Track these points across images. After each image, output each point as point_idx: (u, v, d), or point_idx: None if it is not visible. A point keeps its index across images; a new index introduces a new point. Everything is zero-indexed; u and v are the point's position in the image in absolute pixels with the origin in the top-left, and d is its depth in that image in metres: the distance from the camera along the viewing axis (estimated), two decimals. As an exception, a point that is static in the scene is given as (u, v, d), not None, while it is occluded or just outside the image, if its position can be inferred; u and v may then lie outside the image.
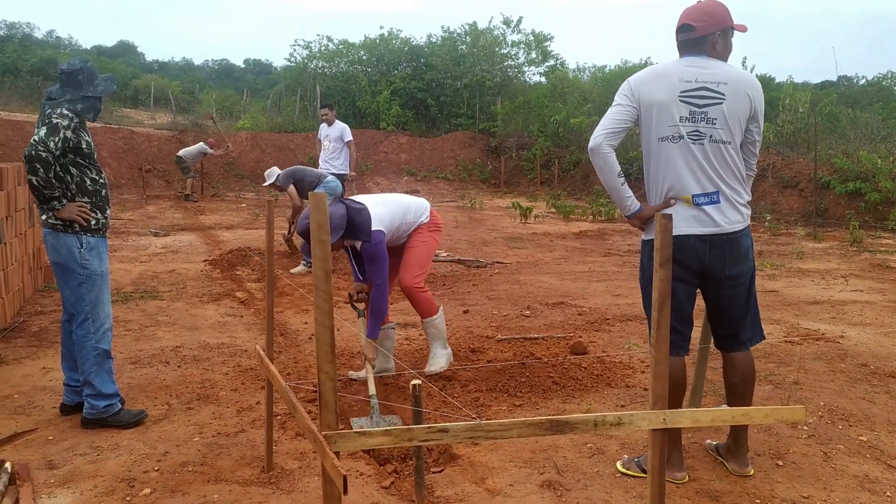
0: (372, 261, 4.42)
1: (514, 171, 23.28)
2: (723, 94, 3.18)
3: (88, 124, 4.09)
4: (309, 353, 5.37)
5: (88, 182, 4.00)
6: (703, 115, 3.16)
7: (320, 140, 10.63)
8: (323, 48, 28.65)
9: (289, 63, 30.39)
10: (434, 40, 29.40)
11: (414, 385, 3.11)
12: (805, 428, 3.79)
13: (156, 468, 3.46)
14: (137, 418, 4.06)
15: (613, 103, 3.23)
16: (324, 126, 10.57)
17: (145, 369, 4.97)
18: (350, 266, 4.82)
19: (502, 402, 4.32)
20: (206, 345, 5.56)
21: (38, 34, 53.39)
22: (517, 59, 29.26)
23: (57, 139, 3.76)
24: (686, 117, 3.14)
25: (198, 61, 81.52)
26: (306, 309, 6.77)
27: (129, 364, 5.08)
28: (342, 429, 3.28)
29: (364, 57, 28.41)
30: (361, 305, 4.67)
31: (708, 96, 3.18)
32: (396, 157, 23.29)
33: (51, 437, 3.86)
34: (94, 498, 3.17)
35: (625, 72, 31.24)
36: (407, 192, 20.03)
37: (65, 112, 3.85)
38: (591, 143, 3.20)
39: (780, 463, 3.41)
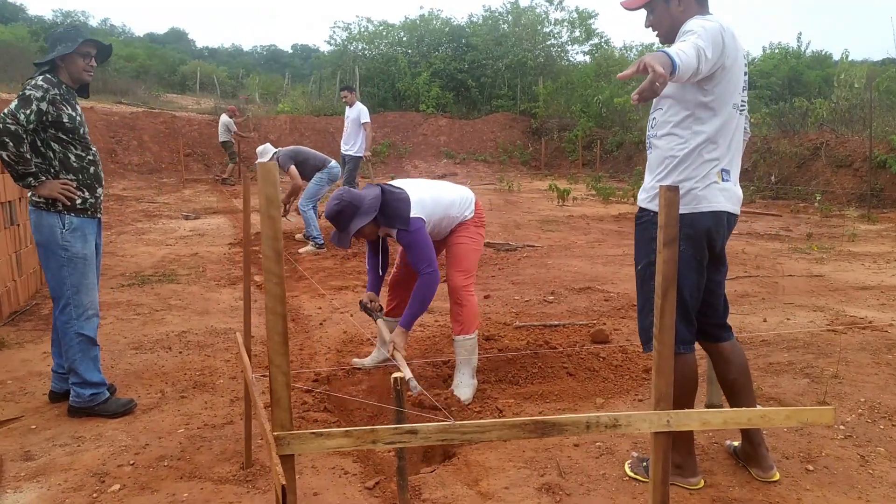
0: (412, 248, 3.89)
1: (555, 152, 22.78)
2: (746, 61, 2.87)
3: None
4: (317, 339, 5.15)
5: (73, 159, 3.80)
6: (745, 84, 2.85)
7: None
8: (363, 30, 28.44)
9: (329, 46, 30.28)
10: (475, 20, 28.95)
11: (395, 378, 2.85)
12: (842, 427, 3.40)
13: (131, 462, 3.26)
14: (125, 408, 3.88)
15: (698, 36, 2.55)
16: (346, 108, 10.53)
17: (146, 355, 4.80)
18: (367, 264, 4.43)
19: (510, 394, 4.02)
20: (213, 330, 5.38)
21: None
22: (560, 38, 28.61)
23: (28, 111, 3.55)
24: (743, 86, 2.82)
25: (247, 47, 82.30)
26: (322, 294, 6.55)
27: (132, 349, 4.92)
28: (299, 429, 2.98)
29: (404, 38, 28.09)
30: (376, 306, 4.31)
31: (745, 63, 2.86)
32: (435, 140, 22.99)
33: (34, 426, 3.70)
34: (61, 493, 2.99)
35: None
36: (445, 176, 19.86)
37: (39, 83, 3.64)
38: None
39: (811, 467, 3.04)
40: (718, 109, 2.71)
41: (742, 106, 2.82)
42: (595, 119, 22.46)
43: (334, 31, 43.14)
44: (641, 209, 2.91)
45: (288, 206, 9.21)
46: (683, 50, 2.39)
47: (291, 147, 9.17)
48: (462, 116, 24.70)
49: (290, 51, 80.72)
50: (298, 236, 9.28)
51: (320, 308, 6.06)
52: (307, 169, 8.78)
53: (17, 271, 6.01)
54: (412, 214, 3.87)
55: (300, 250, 8.62)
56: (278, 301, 2.14)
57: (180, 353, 4.85)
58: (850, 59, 19.18)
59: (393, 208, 3.88)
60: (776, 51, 29.25)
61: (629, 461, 3.11)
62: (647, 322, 2.86)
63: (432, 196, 4.03)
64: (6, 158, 3.57)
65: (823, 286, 6.47)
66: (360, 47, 28.20)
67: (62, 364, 3.97)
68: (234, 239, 9.54)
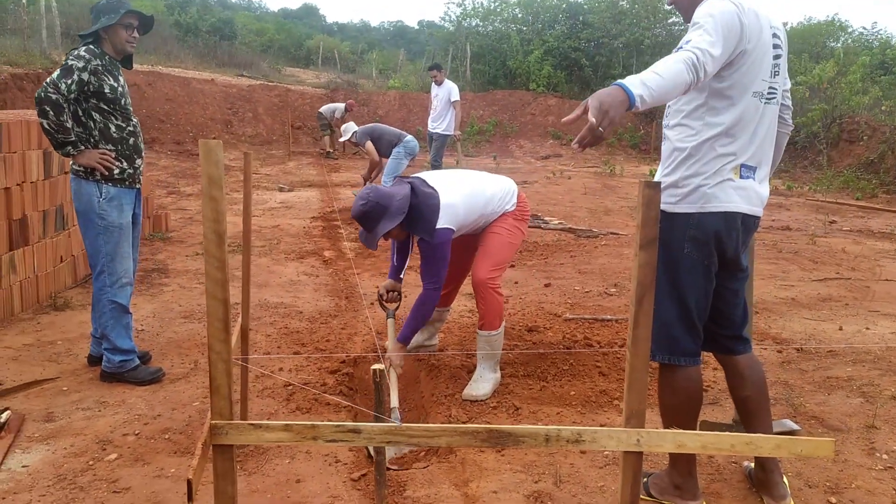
0: (428, 260, 3.67)
1: (668, 136, 21.87)
2: (782, 44, 2.55)
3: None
4: (362, 319, 5.12)
5: (113, 129, 3.88)
6: (776, 70, 2.53)
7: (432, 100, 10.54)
8: (477, 6, 28.15)
9: (443, 22, 30.17)
10: (594, -3, 28.04)
11: (374, 370, 2.74)
12: (884, 457, 3.02)
13: (137, 432, 3.31)
14: (154, 376, 3.96)
15: (704, 30, 2.31)
16: (434, 86, 10.45)
17: (193, 325, 4.91)
18: (390, 252, 4.23)
19: (536, 390, 3.83)
20: (265, 303, 5.44)
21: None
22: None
23: (70, 81, 3.64)
24: (771, 71, 2.51)
25: (374, 23, 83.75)
26: (385, 272, 6.50)
27: (181, 318, 5.05)
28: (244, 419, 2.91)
29: (518, 15, 27.60)
30: (392, 305, 4.10)
31: (778, 45, 2.54)
32: (543, 120, 22.53)
33: (65, 388, 3.84)
34: (63, 458, 3.07)
35: (807, 30, 28.48)
36: (549, 157, 19.43)
37: (81, 53, 3.73)
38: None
39: (834, 500, 2.71)
40: (736, 98, 2.41)
41: (771, 94, 2.49)
42: (713, 102, 21.36)
43: (448, 7, 42.94)
44: None
45: (370, 182, 9.32)
46: (658, 73, 2.14)
47: (369, 125, 9.25)
48: (573, 96, 24.02)
49: (416, 27, 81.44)
50: None
51: (377, 287, 6.01)
52: (383, 145, 8.81)
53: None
54: (440, 225, 3.62)
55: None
56: (219, 286, 2.07)
57: (226, 324, 4.92)
58: None
59: (421, 213, 3.63)
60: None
61: (631, 476, 2.87)
62: (654, 328, 2.61)
63: (466, 200, 3.76)
64: (46, 127, 3.68)
65: (921, 293, 5.84)
66: (474, 24, 27.94)
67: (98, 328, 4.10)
68: (319, 213, 9.67)
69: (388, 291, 4.08)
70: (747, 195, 2.48)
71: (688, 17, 2.54)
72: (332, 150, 17.53)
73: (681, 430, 2.10)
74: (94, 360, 4.14)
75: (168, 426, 3.38)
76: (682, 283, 2.50)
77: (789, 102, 2.73)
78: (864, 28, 32.68)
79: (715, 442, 2.08)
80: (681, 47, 2.29)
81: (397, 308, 4.08)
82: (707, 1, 2.41)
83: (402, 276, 4.13)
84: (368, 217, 3.60)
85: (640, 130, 22.15)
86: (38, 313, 5.02)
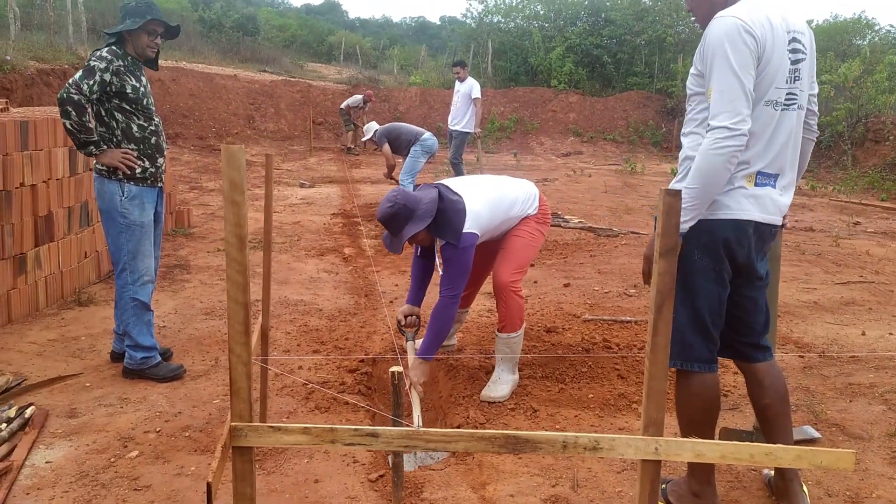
0: (451, 265, 3.61)
1: (690, 134, 21.67)
2: (805, 48, 2.52)
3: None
4: (381, 317, 5.13)
5: (135, 129, 3.93)
6: (797, 75, 2.50)
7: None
8: (499, 2, 28.02)
9: (465, 18, 30.09)
10: (617, -8, 27.83)
11: (393, 373, 2.75)
12: (908, 468, 3.00)
13: (158, 429, 3.35)
14: (175, 373, 4.00)
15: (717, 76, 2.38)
16: (457, 83, 10.51)
17: (214, 322, 4.95)
18: (411, 270, 4.14)
19: (554, 392, 3.82)
20: (285, 301, 5.47)
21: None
22: (708, 13, 26.99)
23: (91, 82, 3.69)
24: (787, 77, 2.48)
25: (396, 18, 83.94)
26: (405, 270, 6.52)
27: (202, 315, 5.09)
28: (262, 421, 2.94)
29: (540, 12, 27.46)
30: (411, 331, 4.01)
31: (798, 49, 2.51)
32: (564, 117, 22.44)
33: (88, 384, 3.89)
34: (85, 454, 3.11)
35: (833, 28, 28.08)
36: (570, 154, 19.36)
37: (103, 54, 3.77)
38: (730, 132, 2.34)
39: (855, 512, 2.69)
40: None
41: (790, 100, 2.46)
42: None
43: (470, 4, 42.86)
44: None
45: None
46: (685, 185, 2.39)
47: (388, 125, 9.33)
48: (594, 93, 23.92)
49: (438, 22, 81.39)
50: None
51: (397, 285, 6.04)
52: (402, 144, 8.87)
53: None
54: (466, 229, 3.59)
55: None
56: (240, 289, 2.08)
57: (246, 322, 4.95)
58: None
59: (448, 218, 3.60)
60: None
61: (649, 482, 2.86)
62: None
63: (491, 206, 3.74)
64: (69, 127, 3.73)
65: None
66: (496, 20, 27.84)
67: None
68: (339, 209, 9.71)
69: (406, 316, 3.98)
70: (761, 203, 2.46)
71: (703, 25, 2.52)
72: (353, 146, 17.57)
73: (700, 440, 2.08)
74: (116, 357, 4.19)
75: (189, 424, 3.41)
76: (693, 289, 2.50)
77: (815, 108, 2.69)
78: (892, 26, 32.25)
79: (734, 452, 2.07)
80: (710, 126, 2.37)
81: (416, 333, 3.99)
82: (714, 23, 2.40)
83: (421, 301, 4.05)
84: (395, 219, 3.56)
85: (662, 128, 21.97)
86: (62, 309, 5.10)
